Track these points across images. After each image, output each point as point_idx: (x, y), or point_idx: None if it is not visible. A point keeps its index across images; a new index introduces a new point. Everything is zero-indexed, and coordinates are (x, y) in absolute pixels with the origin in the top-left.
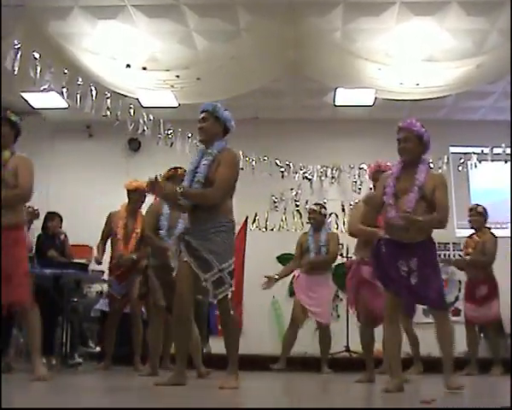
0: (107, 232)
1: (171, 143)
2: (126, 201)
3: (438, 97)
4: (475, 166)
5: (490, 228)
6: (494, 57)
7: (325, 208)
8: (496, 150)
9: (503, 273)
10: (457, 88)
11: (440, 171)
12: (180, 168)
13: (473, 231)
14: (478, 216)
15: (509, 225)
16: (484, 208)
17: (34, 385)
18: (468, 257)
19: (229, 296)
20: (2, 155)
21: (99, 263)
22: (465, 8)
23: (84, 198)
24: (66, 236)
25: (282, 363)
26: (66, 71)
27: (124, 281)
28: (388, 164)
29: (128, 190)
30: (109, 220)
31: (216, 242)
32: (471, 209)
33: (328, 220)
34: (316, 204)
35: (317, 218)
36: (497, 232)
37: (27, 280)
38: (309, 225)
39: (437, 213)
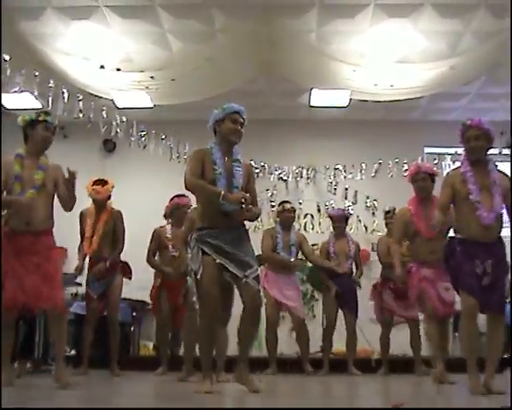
0: (83, 232)
1: (145, 146)
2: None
3: (412, 98)
4: (449, 167)
5: None
6: (468, 59)
7: (294, 209)
8: None
9: None
10: (431, 89)
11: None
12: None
13: None
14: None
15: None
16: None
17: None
18: None
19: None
20: (41, 160)
21: (80, 271)
22: (439, 10)
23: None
24: None
25: (273, 368)
26: (38, 73)
27: (102, 279)
28: (428, 165)
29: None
30: (81, 219)
31: (247, 246)
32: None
33: (304, 221)
34: (287, 202)
35: (289, 217)
36: None
37: (62, 284)
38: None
39: None
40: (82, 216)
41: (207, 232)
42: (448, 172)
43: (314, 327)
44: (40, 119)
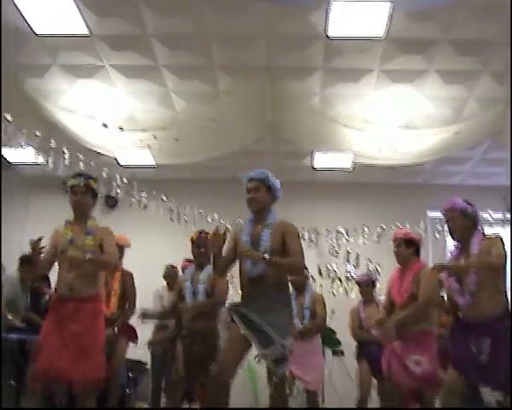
0: None
1: (145, 206)
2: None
3: (416, 164)
4: None
5: None
6: (472, 124)
7: (307, 269)
8: None
9: None
10: (436, 154)
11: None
12: (206, 233)
13: None
14: None
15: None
16: None
17: None
18: None
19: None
20: (88, 224)
21: None
22: (443, 76)
23: None
24: (51, 297)
25: None
26: (40, 128)
27: (107, 343)
28: (405, 231)
29: None
30: None
31: (278, 315)
32: None
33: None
34: None
35: (299, 279)
36: None
37: (104, 357)
38: None
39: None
40: None
41: (240, 301)
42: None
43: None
44: (69, 184)
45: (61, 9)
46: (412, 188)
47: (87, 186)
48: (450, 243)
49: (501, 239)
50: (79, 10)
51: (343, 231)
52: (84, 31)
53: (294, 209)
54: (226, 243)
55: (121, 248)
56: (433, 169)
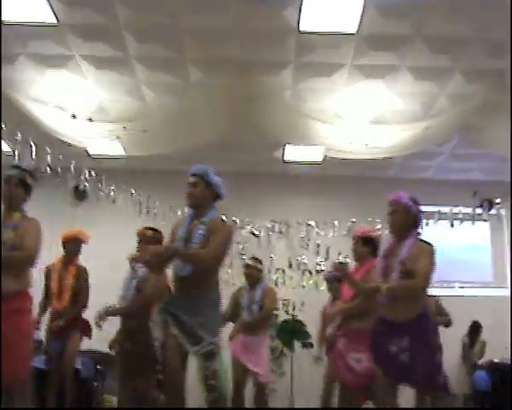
0: (47, 288)
1: (113, 200)
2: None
3: (386, 158)
4: (426, 226)
5: None
6: (442, 121)
7: (261, 263)
8: (443, 210)
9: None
10: (406, 149)
11: None
12: (152, 229)
13: None
14: None
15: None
16: None
17: None
18: None
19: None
20: (13, 217)
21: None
22: (414, 72)
23: None
24: None
25: None
26: (3, 125)
27: (60, 338)
28: (363, 228)
29: (62, 241)
30: (47, 275)
31: (208, 316)
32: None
33: (275, 275)
34: (251, 258)
35: (252, 273)
36: (443, 292)
37: (29, 357)
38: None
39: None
40: (47, 271)
41: (170, 300)
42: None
43: (283, 385)
44: (5, 174)
45: None
46: (383, 182)
47: (21, 179)
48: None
49: (431, 250)
50: None
51: (313, 224)
52: (52, 20)
53: (265, 201)
54: (170, 230)
55: (78, 243)
56: (403, 163)
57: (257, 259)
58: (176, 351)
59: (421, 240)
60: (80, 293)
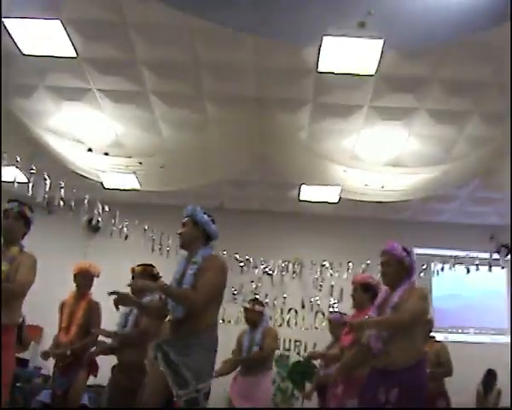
0: (60, 322)
1: (126, 236)
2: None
3: (402, 201)
4: (442, 270)
5: (434, 337)
6: (461, 164)
7: (262, 305)
8: (459, 254)
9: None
10: (423, 192)
11: None
12: (149, 266)
13: None
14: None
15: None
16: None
17: None
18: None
19: None
20: (11, 251)
21: (45, 358)
22: (432, 115)
23: (39, 276)
24: (24, 320)
25: None
26: (18, 158)
27: (66, 375)
28: (362, 276)
29: (74, 274)
30: (60, 309)
31: (196, 359)
32: None
33: (288, 316)
34: (249, 301)
35: (251, 316)
36: (457, 337)
37: (6, 392)
38: None
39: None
40: (61, 305)
41: (165, 339)
42: None
43: None
44: (3, 208)
45: (48, 31)
46: (398, 224)
47: (20, 212)
48: (436, 281)
49: (423, 292)
50: (67, 33)
51: (328, 264)
52: (71, 53)
53: (279, 240)
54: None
55: (90, 277)
56: (419, 206)
57: (255, 300)
58: (158, 387)
59: (414, 285)
60: (91, 328)
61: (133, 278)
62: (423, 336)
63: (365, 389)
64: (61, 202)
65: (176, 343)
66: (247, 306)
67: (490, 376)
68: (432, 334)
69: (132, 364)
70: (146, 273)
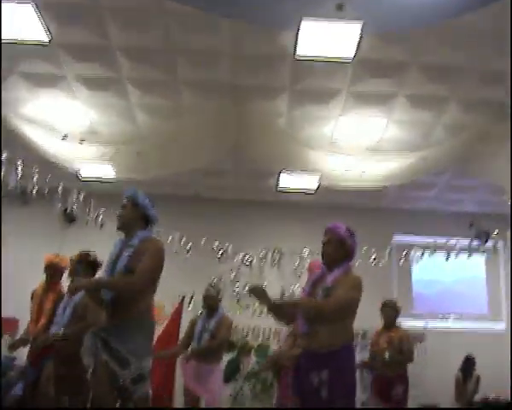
0: (31, 312)
1: (101, 225)
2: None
3: (381, 187)
4: (421, 257)
5: (399, 324)
6: (439, 151)
7: (219, 293)
8: (438, 241)
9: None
10: (402, 179)
11: (383, 260)
12: (85, 254)
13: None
14: (391, 311)
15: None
16: (395, 303)
17: None
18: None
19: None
20: None
21: (12, 349)
22: (411, 101)
23: (15, 268)
24: None
25: None
26: None
27: (36, 365)
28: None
29: (44, 266)
30: (32, 298)
31: (135, 342)
32: (384, 304)
33: None
34: (208, 287)
35: (210, 302)
36: (439, 324)
37: None
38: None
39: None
40: (32, 295)
41: (104, 325)
42: None
43: None
44: None
45: (21, 15)
46: (377, 212)
47: None
48: (416, 269)
49: (356, 281)
50: (41, 17)
51: (307, 253)
52: (44, 38)
53: (258, 229)
54: None
55: (59, 270)
56: (398, 194)
57: (214, 286)
58: (105, 377)
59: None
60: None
61: (71, 267)
62: (352, 321)
63: (297, 372)
64: (35, 192)
65: (113, 329)
66: (207, 293)
67: (469, 362)
68: (399, 320)
69: (69, 354)
70: (82, 261)
